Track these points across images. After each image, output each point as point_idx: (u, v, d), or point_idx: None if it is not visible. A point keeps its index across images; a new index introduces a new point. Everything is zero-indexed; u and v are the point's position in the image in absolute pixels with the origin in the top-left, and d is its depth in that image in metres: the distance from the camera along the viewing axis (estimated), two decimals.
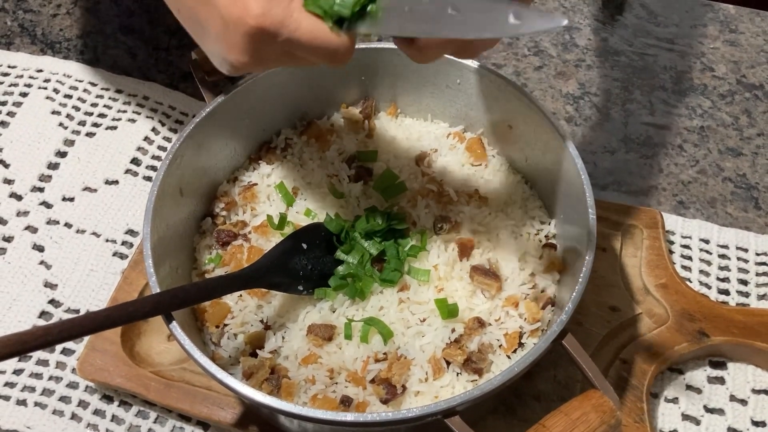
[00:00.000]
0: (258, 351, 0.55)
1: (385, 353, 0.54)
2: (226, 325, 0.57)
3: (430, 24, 0.42)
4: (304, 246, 0.57)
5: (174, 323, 0.48)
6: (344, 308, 0.57)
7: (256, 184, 0.63)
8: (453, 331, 0.55)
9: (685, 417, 0.61)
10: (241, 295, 0.58)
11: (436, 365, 0.53)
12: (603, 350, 0.61)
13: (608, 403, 0.45)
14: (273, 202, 0.62)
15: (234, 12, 0.42)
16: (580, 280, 0.49)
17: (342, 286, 0.57)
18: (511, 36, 0.40)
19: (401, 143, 0.65)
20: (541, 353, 0.46)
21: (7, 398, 0.63)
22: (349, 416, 0.44)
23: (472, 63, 0.61)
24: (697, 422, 0.61)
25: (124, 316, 0.45)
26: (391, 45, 0.63)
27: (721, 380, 0.63)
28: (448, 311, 0.55)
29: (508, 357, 0.54)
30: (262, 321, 0.57)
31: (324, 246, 0.59)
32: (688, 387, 0.62)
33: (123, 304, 0.46)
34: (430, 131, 0.66)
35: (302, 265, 0.57)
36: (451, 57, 0.60)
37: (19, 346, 0.40)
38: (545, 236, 0.60)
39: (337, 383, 0.54)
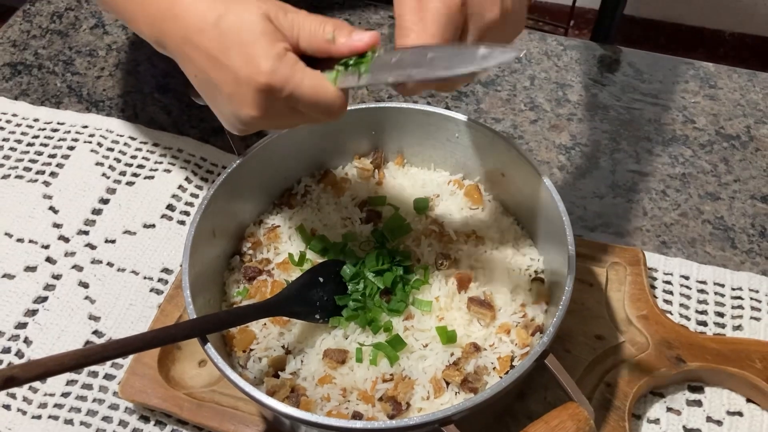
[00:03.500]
0: (280, 372, 0.63)
1: (391, 374, 0.61)
2: (252, 350, 0.64)
3: (413, 69, 0.50)
4: (321, 280, 0.65)
5: (209, 345, 0.56)
6: (356, 335, 0.64)
7: (278, 226, 0.71)
8: (452, 354, 0.62)
9: None
10: (265, 324, 0.65)
11: (436, 385, 0.60)
12: (589, 375, 0.67)
13: (583, 413, 0.51)
14: (294, 242, 0.70)
15: (246, 71, 0.50)
16: (561, 306, 0.56)
17: (354, 316, 0.64)
18: (481, 69, 0.47)
19: (407, 190, 0.73)
20: (526, 370, 0.53)
21: (56, 418, 0.70)
22: (359, 424, 0.51)
23: (469, 119, 0.69)
24: None
25: (168, 337, 0.53)
26: (397, 104, 0.71)
27: (698, 403, 0.69)
28: (448, 337, 0.62)
29: (501, 378, 0.61)
30: (283, 346, 0.64)
31: (338, 280, 0.66)
32: (669, 409, 0.68)
33: (166, 327, 0.54)
34: (433, 179, 0.74)
35: (319, 296, 0.64)
36: (450, 114, 0.70)
37: (83, 359, 0.48)
38: (534, 271, 0.67)
39: (349, 401, 0.61)
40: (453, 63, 0.49)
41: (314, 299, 0.64)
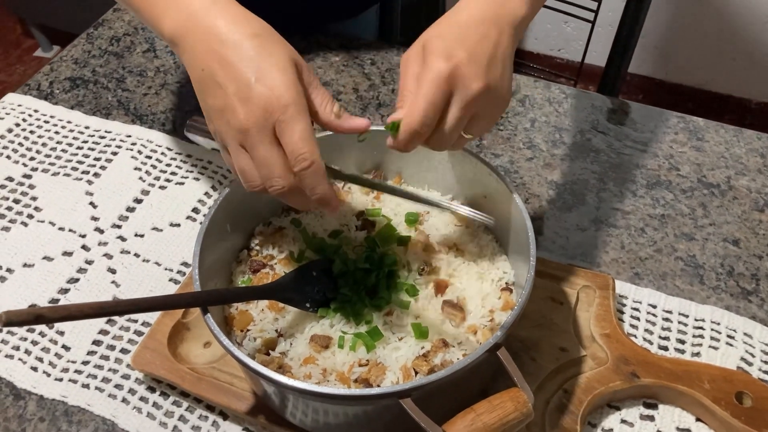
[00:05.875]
0: (270, 351, 0.71)
1: (367, 360, 0.69)
2: (248, 330, 0.72)
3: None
4: (314, 274, 0.74)
5: (208, 315, 0.64)
6: (340, 325, 0.72)
7: (285, 228, 0.80)
8: (422, 348, 0.69)
9: None
10: (263, 309, 0.73)
11: (406, 372, 0.68)
12: (550, 381, 0.74)
13: (523, 396, 0.58)
14: (296, 243, 0.79)
15: (265, 92, 0.58)
16: (516, 307, 0.63)
17: (340, 308, 0.72)
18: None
19: (401, 205, 0.82)
20: (478, 357, 0.60)
21: (75, 381, 0.79)
22: (326, 389, 0.59)
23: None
24: None
25: (172, 303, 0.62)
26: None
27: (651, 418, 0.74)
28: (420, 332, 0.70)
29: None
30: (276, 330, 0.72)
31: (330, 276, 0.75)
32: (623, 421, 0.74)
33: (171, 295, 0.63)
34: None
35: (311, 288, 0.73)
36: None
37: (99, 310, 0.57)
38: (506, 283, 0.75)
39: (328, 380, 0.68)
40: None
41: (307, 290, 0.72)
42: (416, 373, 0.68)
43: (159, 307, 0.62)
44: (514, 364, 0.61)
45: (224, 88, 0.60)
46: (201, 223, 0.93)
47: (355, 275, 0.74)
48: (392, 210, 0.81)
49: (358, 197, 0.83)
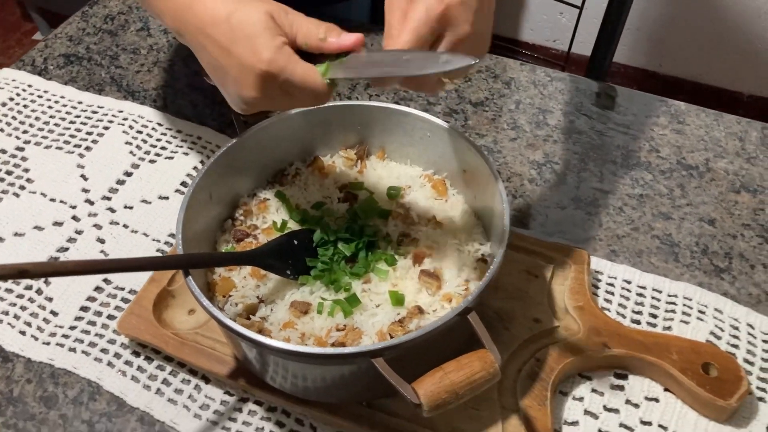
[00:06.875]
0: (251, 316, 0.73)
1: (344, 325, 0.71)
2: (230, 296, 0.74)
3: (390, 67, 0.61)
4: (295, 242, 0.76)
5: (190, 277, 0.66)
6: (320, 292, 0.74)
7: (269, 199, 0.82)
8: (398, 314, 0.71)
9: (587, 412, 0.75)
10: (245, 276, 0.75)
11: (381, 337, 0.70)
12: (523, 350, 0.76)
13: (490, 356, 0.60)
14: (280, 213, 0.81)
15: (250, 59, 0.61)
16: (488, 273, 0.65)
17: (320, 275, 0.74)
18: (443, 71, 0.59)
19: (384, 180, 0.83)
20: (448, 320, 0.62)
21: (62, 345, 0.81)
22: (301, 348, 0.61)
23: (441, 122, 0.80)
24: (596, 417, 0.74)
25: (156, 264, 0.65)
26: (381, 103, 0.82)
27: (621, 388, 0.76)
28: (397, 299, 0.71)
29: None
30: (257, 296, 0.74)
31: (311, 245, 0.77)
32: (593, 390, 0.76)
33: (156, 257, 0.65)
34: (408, 173, 0.84)
35: (292, 256, 0.74)
36: (423, 115, 0.80)
37: (82, 268, 0.59)
38: (481, 254, 0.77)
39: (306, 344, 0.70)
40: (422, 65, 0.61)
41: (288, 258, 0.74)
42: (391, 337, 0.70)
43: (142, 268, 0.64)
44: (483, 327, 0.63)
45: (229, 74, 0.63)
46: None
47: (336, 245, 0.76)
48: (374, 184, 0.83)
49: (341, 171, 0.84)
